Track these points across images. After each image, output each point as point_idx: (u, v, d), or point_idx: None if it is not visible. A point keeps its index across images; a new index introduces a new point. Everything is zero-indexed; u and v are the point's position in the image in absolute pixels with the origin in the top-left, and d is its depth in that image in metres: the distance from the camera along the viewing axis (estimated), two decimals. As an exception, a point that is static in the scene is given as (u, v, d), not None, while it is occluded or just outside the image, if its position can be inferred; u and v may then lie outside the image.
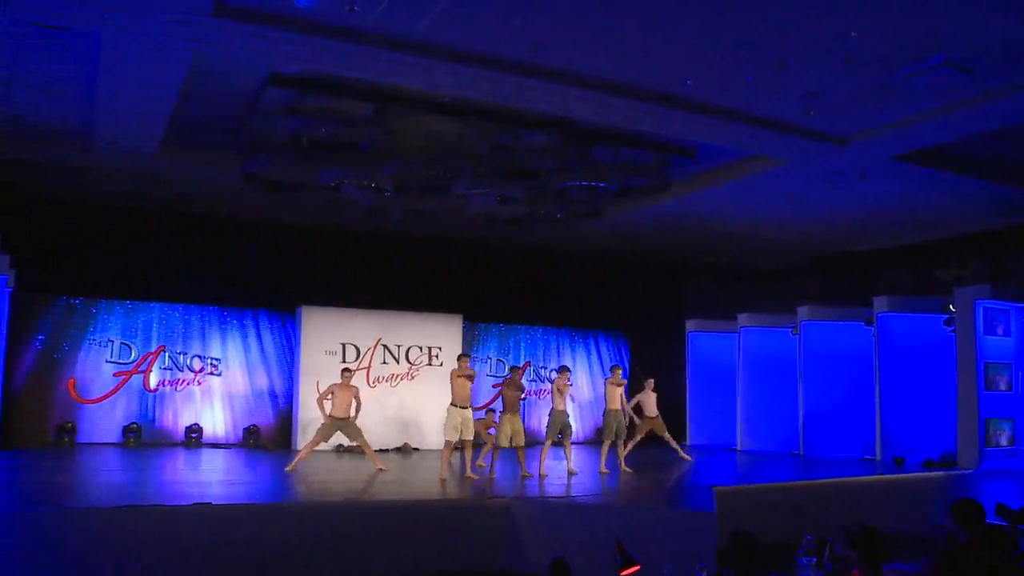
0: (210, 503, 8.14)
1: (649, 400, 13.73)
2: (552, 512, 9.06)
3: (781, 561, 5.22)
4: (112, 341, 15.33)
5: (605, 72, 9.66)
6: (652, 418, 13.71)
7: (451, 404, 11.33)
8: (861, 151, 11.82)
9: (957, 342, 13.50)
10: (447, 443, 11.30)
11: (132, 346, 15.47)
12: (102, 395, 15.17)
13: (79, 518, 7.53)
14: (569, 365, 14.53)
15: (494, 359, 18.34)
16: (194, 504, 8.09)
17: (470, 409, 11.44)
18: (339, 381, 12.33)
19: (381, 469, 11.92)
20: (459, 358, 11.83)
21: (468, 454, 11.42)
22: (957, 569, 4.39)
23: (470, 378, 11.49)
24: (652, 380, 13.89)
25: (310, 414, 15.38)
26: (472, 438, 11.44)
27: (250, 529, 7.82)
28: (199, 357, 15.92)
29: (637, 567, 4.41)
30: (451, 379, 11.49)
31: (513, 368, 12.67)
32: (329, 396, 12.09)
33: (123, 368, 15.36)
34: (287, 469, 11.66)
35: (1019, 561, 4.77)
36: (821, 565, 4.97)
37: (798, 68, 9.37)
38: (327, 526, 8.22)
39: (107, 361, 15.31)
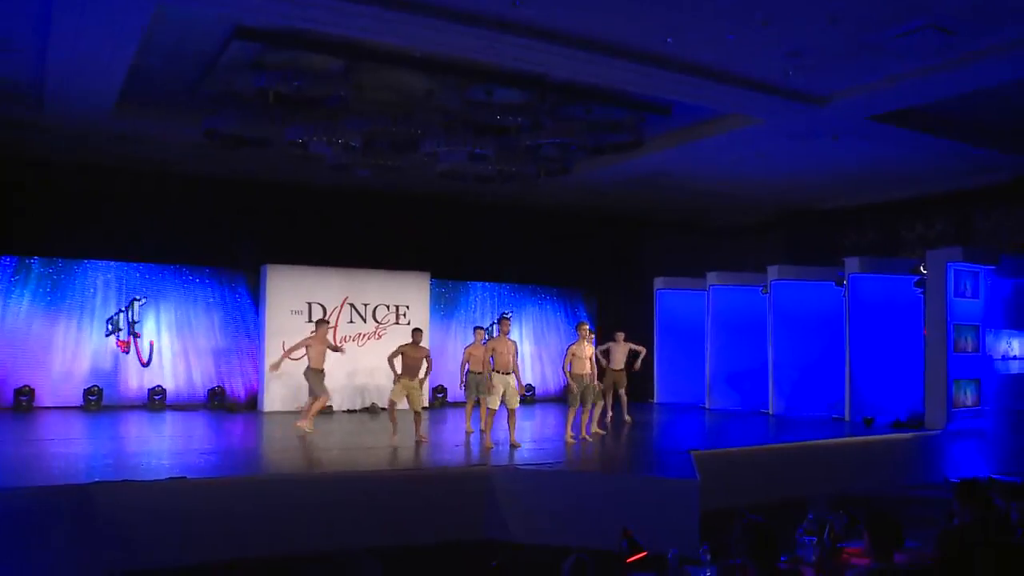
0: (185, 477, 7.91)
1: (619, 352, 13.57)
2: (531, 480, 8.95)
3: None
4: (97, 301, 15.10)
5: (585, 29, 9.41)
6: (617, 371, 13.53)
7: (493, 370, 10.85)
8: (838, 111, 11.77)
9: (927, 304, 13.61)
10: (491, 411, 10.86)
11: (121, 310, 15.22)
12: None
13: (47, 496, 7.26)
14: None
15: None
16: (169, 479, 7.85)
17: (512, 375, 10.92)
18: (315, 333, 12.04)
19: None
20: (502, 321, 11.56)
21: (513, 420, 10.97)
22: (960, 549, 4.35)
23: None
24: (623, 334, 13.69)
25: (275, 374, 15.15)
26: (516, 405, 10.97)
27: (228, 502, 7.64)
28: (161, 317, 15.52)
29: (644, 553, 4.30)
30: (488, 350, 11.07)
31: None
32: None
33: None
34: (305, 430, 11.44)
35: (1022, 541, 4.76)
36: (822, 543, 4.92)
37: (781, 26, 9.21)
38: (305, 497, 8.08)
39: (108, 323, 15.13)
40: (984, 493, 4.77)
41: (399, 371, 11.25)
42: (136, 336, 15.34)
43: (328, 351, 12.07)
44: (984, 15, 8.79)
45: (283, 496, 8.05)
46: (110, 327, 15.06)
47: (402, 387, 11.21)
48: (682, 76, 10.53)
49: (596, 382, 11.85)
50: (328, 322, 12.42)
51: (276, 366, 12.22)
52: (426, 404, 16.46)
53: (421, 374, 11.33)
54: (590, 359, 11.59)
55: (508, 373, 10.80)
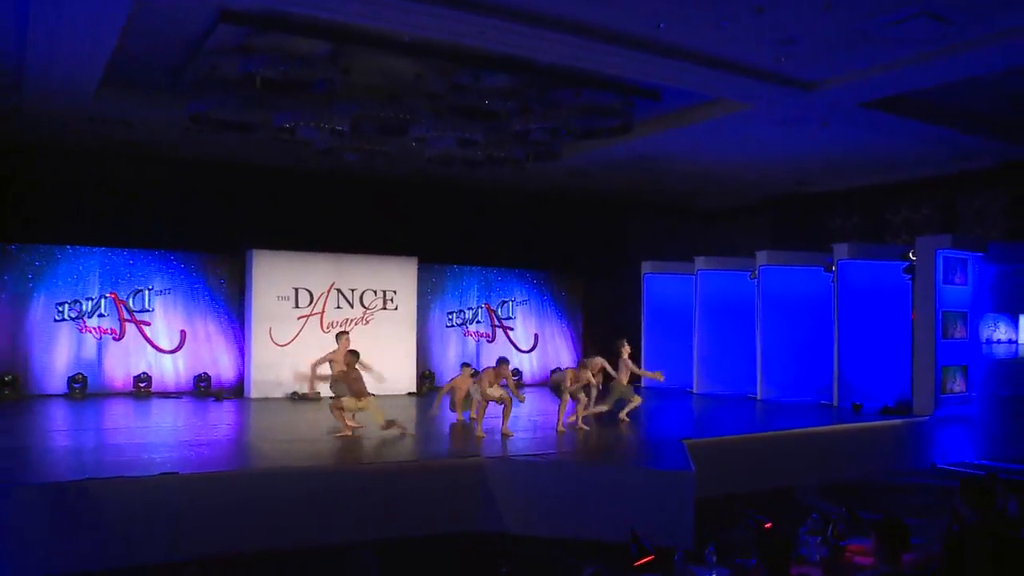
0: (176, 472, 7.80)
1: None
2: (525, 471, 8.91)
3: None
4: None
5: (576, 14, 9.30)
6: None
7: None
8: (828, 97, 11.77)
9: (916, 291, 13.62)
10: (483, 404, 10.86)
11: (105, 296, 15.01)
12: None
13: (31, 495, 7.14)
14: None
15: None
16: (160, 475, 7.72)
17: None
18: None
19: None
20: (501, 363, 11.31)
21: (507, 411, 10.91)
22: (966, 549, 4.35)
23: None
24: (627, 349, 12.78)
25: (262, 360, 15.09)
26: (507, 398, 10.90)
27: (219, 497, 7.57)
28: (145, 303, 15.33)
29: (651, 557, 4.26)
30: (482, 379, 10.96)
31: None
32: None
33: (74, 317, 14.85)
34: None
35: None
36: (827, 542, 4.92)
37: (776, 14, 9.14)
38: (298, 491, 8.01)
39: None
40: (988, 493, 4.78)
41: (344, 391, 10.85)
42: (142, 324, 15.18)
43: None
44: (977, 3, 8.77)
45: (275, 490, 7.97)
46: (60, 312, 14.68)
47: (353, 405, 10.68)
48: (672, 61, 10.47)
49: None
50: (348, 333, 12.24)
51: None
52: (413, 390, 16.43)
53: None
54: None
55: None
